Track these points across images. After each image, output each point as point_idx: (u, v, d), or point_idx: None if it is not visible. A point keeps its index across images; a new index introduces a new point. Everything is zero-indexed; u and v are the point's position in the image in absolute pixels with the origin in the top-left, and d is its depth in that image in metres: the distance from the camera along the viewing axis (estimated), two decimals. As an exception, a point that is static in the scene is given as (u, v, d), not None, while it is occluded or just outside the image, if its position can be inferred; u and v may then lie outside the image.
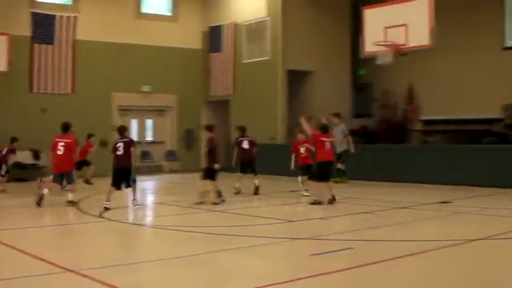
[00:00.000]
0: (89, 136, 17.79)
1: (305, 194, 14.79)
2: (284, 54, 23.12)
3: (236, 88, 24.81)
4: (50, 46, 22.24)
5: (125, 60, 24.06)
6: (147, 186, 19.13)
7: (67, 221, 12.32)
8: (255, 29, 24.04)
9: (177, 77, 25.40)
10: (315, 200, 13.17)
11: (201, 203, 13.38)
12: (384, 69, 21.27)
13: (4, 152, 16.97)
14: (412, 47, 16.04)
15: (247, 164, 15.80)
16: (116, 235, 10.50)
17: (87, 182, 17.53)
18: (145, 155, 24.39)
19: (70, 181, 13.87)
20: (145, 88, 24.75)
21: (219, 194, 13.55)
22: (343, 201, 13.78)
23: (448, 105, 22.57)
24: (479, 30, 21.99)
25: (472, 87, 22.20)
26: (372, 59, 16.81)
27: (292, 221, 11.37)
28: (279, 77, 23.13)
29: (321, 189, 13.28)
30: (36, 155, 20.39)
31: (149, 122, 25.68)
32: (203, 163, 14.70)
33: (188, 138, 25.70)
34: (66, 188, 14.79)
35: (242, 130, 16.48)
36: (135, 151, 13.32)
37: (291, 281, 6.60)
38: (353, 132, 20.08)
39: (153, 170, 24.24)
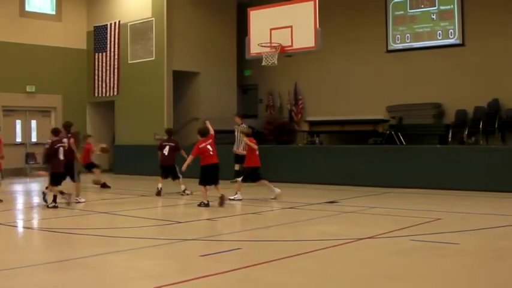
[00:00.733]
0: (86, 137, 17.62)
1: (186, 192, 15.39)
2: (169, 54, 22.93)
3: (121, 89, 24.37)
4: None
5: (8, 60, 23.27)
6: (32, 188, 18.37)
7: None
8: (140, 29, 23.70)
9: (61, 77, 24.75)
10: (202, 202, 13.11)
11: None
12: (270, 71, 21.57)
13: None
14: (298, 48, 16.21)
15: (167, 170, 15.71)
16: (0, 238, 10.02)
17: (98, 183, 17.25)
18: (29, 156, 23.51)
19: None
20: (30, 88, 23.97)
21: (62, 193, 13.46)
22: (229, 202, 13.80)
23: (334, 107, 23.20)
24: (364, 33, 22.74)
25: (358, 89, 22.94)
26: (257, 60, 16.92)
27: (181, 222, 11.24)
28: (164, 78, 22.91)
29: (207, 191, 13.23)
30: None
31: (33, 123, 24.78)
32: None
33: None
34: None
35: (168, 133, 16.30)
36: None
37: (180, 282, 6.49)
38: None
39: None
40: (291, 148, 20.70)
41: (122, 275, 7.07)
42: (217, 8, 24.67)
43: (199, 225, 11.16)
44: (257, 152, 14.17)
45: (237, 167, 18.83)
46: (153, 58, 23.26)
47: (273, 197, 13.95)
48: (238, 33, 24.59)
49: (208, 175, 13.24)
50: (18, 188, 15.46)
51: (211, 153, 13.23)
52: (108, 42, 24.85)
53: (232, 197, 13.96)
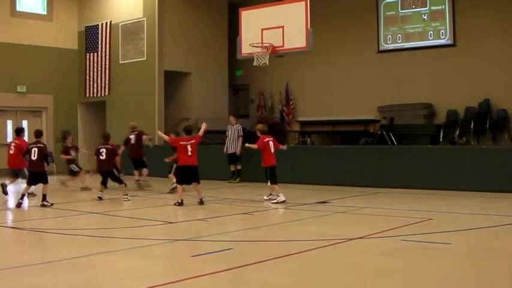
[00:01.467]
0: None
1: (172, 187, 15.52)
2: (160, 55, 22.90)
3: (113, 89, 24.33)
4: None
5: (-1, 60, 23.16)
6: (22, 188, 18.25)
7: None
8: (131, 30, 23.66)
9: (52, 78, 24.72)
10: (177, 201, 13.16)
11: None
12: (261, 71, 21.57)
13: None
14: (289, 49, 16.20)
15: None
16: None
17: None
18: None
19: None
20: (21, 88, 23.94)
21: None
22: (223, 202, 13.81)
23: (325, 107, 23.23)
24: (355, 33, 22.80)
25: (349, 89, 23.00)
26: (249, 60, 16.91)
27: (172, 223, 11.22)
28: (155, 78, 22.89)
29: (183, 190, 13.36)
30: None
31: (25, 123, 24.66)
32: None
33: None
34: None
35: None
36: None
37: (171, 282, 6.47)
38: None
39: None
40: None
41: (113, 276, 7.05)
42: (208, 8, 24.65)
43: (190, 225, 11.14)
44: (272, 151, 13.78)
45: (232, 167, 18.88)
46: (145, 58, 23.23)
47: (266, 198, 13.88)
48: (229, 34, 24.59)
49: (184, 176, 13.34)
50: (9, 188, 15.39)
51: (189, 153, 13.19)
52: (100, 42, 24.79)
53: (267, 197, 13.77)
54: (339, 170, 17.61)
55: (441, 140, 20.39)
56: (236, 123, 18.76)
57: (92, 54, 25.10)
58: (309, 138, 22.68)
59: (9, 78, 23.55)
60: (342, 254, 8.16)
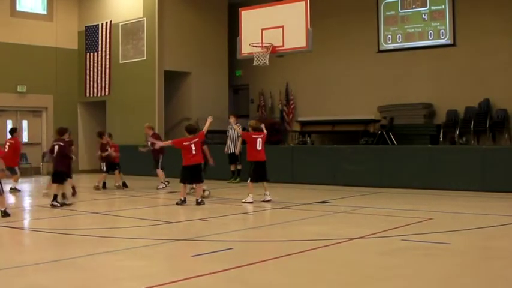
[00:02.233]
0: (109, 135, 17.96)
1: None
2: (160, 54, 22.90)
3: (112, 89, 24.33)
4: None
5: (-1, 60, 23.19)
6: (23, 188, 18.28)
7: None
8: (131, 29, 23.66)
9: (52, 77, 24.71)
10: (180, 199, 13.24)
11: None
12: (261, 71, 21.57)
13: None
14: (289, 48, 16.16)
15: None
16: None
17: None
18: (21, 156, 23.31)
19: None
20: (21, 88, 23.94)
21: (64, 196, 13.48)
22: (223, 202, 13.81)
23: (326, 107, 23.23)
24: (355, 33, 22.78)
25: (349, 89, 22.98)
26: (249, 60, 16.90)
27: (172, 222, 11.22)
28: (155, 78, 22.88)
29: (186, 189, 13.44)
30: None
31: (25, 123, 24.72)
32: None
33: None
34: None
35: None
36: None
37: (171, 282, 6.48)
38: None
39: (30, 172, 23.30)
40: (282, 148, 20.67)
41: (113, 275, 7.05)
42: (208, 8, 24.65)
43: (190, 225, 11.14)
44: (258, 147, 13.76)
45: (232, 167, 18.88)
46: (145, 58, 23.23)
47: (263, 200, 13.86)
48: (229, 33, 24.59)
49: (189, 174, 13.27)
50: (8, 188, 15.46)
51: (193, 152, 13.18)
52: (100, 42, 24.78)
53: (244, 200, 13.70)
54: (339, 170, 17.62)
55: (441, 139, 20.37)
56: (236, 123, 18.75)
57: (92, 54, 25.10)
58: (309, 138, 22.66)
59: (9, 78, 23.53)
60: (342, 253, 8.16)
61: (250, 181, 13.67)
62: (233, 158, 18.76)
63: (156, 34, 22.87)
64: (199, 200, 13.23)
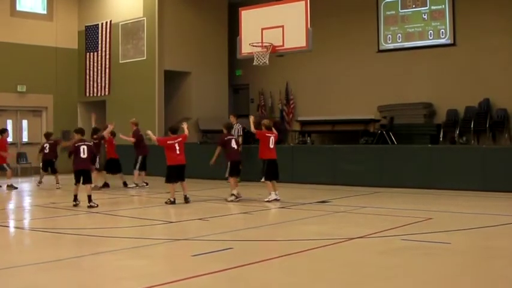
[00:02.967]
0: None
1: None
2: (160, 54, 22.90)
3: (112, 88, 24.33)
4: None
5: (-1, 59, 23.23)
6: (23, 188, 18.33)
7: None
8: (131, 29, 23.66)
9: (52, 77, 24.71)
10: (169, 199, 13.40)
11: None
12: (261, 70, 21.56)
13: None
14: (289, 48, 16.17)
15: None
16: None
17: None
18: (21, 156, 23.45)
19: None
20: (21, 88, 23.94)
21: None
22: (223, 202, 13.81)
23: (326, 106, 23.22)
24: (356, 33, 22.78)
25: (349, 88, 22.98)
26: (249, 59, 16.90)
27: (172, 222, 11.23)
28: (155, 78, 22.89)
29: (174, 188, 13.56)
30: None
31: (25, 123, 24.73)
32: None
33: (65, 140, 24.96)
34: None
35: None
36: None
37: (171, 282, 6.48)
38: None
39: (30, 172, 23.30)
40: (282, 148, 20.67)
41: (113, 275, 7.05)
42: (208, 7, 24.65)
43: (190, 224, 11.15)
44: (271, 146, 13.98)
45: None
46: (145, 58, 23.23)
47: (266, 200, 13.84)
48: (229, 33, 24.59)
49: (174, 174, 13.52)
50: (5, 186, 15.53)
51: (177, 152, 13.44)
52: (100, 42, 24.79)
53: (267, 199, 13.71)
54: (339, 170, 17.61)
55: (441, 139, 20.37)
56: (236, 123, 18.74)
57: (92, 53, 25.10)
58: (309, 138, 22.65)
59: (9, 78, 23.53)
60: (342, 253, 8.17)
61: (265, 179, 13.77)
62: None
63: (156, 34, 22.87)
64: (187, 196, 13.51)
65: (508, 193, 14.46)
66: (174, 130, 14.04)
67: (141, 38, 23.32)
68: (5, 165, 17.62)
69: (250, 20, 16.84)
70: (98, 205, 12.91)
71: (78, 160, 13.24)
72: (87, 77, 25.27)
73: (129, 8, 23.81)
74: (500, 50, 19.94)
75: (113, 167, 17.87)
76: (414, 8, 21.90)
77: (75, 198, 13.14)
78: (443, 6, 21.28)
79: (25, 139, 24.47)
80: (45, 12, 24.93)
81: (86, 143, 13.47)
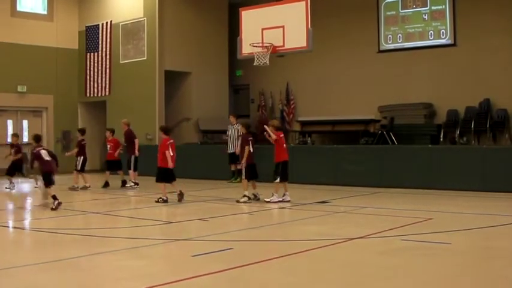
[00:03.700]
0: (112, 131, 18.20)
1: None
2: (161, 54, 22.91)
3: (113, 89, 24.33)
4: None
5: (-1, 60, 23.23)
6: (23, 188, 18.35)
7: None
8: (132, 29, 23.66)
9: (53, 77, 24.73)
10: (161, 198, 13.62)
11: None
12: (261, 71, 21.56)
13: None
14: (289, 48, 16.15)
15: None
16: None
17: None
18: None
19: None
20: (21, 88, 23.97)
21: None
22: (223, 202, 13.81)
23: (326, 107, 23.22)
24: (356, 33, 22.78)
25: (349, 89, 22.97)
26: (249, 60, 16.89)
27: (172, 222, 11.23)
28: (156, 78, 22.89)
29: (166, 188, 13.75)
30: None
31: (25, 123, 24.74)
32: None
33: (65, 140, 25.01)
34: None
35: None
36: None
37: (171, 282, 6.48)
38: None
39: (29, 172, 23.26)
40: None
41: (113, 275, 7.05)
42: (209, 8, 24.65)
43: (190, 225, 11.14)
44: (284, 146, 13.92)
45: (232, 167, 18.86)
46: (145, 58, 23.23)
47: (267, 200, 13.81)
48: (230, 33, 24.59)
49: (166, 175, 13.71)
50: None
51: (171, 153, 13.66)
52: (100, 42, 24.79)
53: (268, 199, 13.62)
54: (339, 170, 17.61)
55: (441, 139, 20.37)
56: (236, 123, 18.74)
57: (92, 54, 25.11)
58: (309, 138, 22.66)
59: (9, 78, 23.54)
60: (342, 253, 8.16)
61: (280, 181, 13.63)
62: (233, 157, 18.74)
63: (156, 34, 22.87)
64: (179, 193, 13.65)
65: (508, 193, 14.46)
66: (167, 130, 14.21)
67: (142, 38, 23.32)
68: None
69: (251, 20, 16.83)
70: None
71: (43, 162, 13.25)
72: (88, 77, 25.28)
73: (130, 8, 23.81)
74: (501, 50, 19.94)
75: (114, 165, 17.86)
76: (414, 8, 21.90)
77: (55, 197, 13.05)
78: (443, 6, 21.27)
79: (25, 139, 24.45)
80: (45, 12, 24.95)
81: (44, 147, 13.69)
